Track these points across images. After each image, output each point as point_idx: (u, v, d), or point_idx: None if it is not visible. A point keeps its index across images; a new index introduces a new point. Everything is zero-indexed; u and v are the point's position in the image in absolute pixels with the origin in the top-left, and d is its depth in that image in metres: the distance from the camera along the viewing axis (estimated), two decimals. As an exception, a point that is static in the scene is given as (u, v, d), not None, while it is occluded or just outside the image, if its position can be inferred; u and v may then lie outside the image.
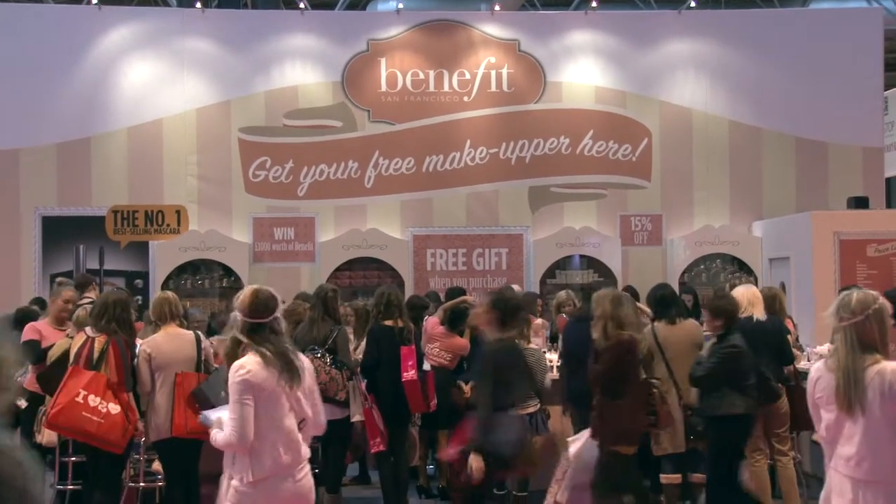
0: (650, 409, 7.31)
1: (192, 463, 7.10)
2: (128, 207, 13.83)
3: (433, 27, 14.84)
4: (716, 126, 14.90)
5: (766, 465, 7.82)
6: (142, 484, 7.78)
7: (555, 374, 8.61)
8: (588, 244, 14.40)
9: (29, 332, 8.02)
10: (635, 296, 9.96)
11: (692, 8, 15.16)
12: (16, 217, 13.92)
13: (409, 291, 13.01)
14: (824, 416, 4.29)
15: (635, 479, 7.21)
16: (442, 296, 10.93)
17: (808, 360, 9.05)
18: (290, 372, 4.52)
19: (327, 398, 7.01)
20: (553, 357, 9.05)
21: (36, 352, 7.75)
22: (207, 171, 14.33)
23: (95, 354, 6.78)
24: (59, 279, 9.36)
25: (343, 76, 14.56)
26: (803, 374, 8.32)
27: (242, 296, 4.70)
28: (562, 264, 14.49)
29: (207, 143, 14.34)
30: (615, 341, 6.92)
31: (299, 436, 4.56)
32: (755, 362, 7.38)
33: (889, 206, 16.12)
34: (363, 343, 8.50)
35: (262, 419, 4.49)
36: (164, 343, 7.01)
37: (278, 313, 4.69)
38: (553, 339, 10.14)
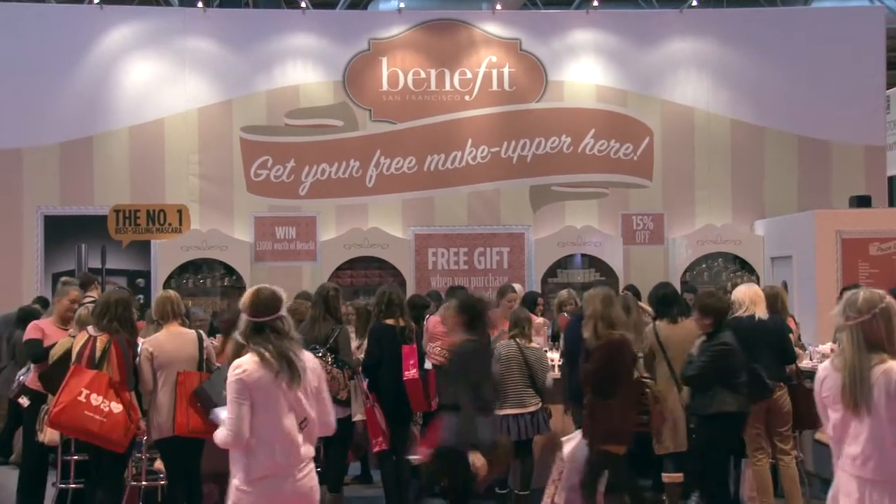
0: (642, 408, 7.31)
1: (194, 462, 7.11)
2: (130, 207, 13.85)
3: (434, 26, 14.83)
4: (717, 125, 14.89)
5: (769, 465, 7.81)
6: (144, 483, 7.79)
7: (556, 373, 8.60)
8: (589, 243, 14.40)
9: (32, 330, 8.03)
10: (637, 295, 9.97)
11: (694, 7, 15.14)
12: (18, 216, 13.93)
13: (410, 290, 13.02)
14: (831, 415, 4.28)
15: (629, 478, 7.21)
16: (443, 295, 10.93)
17: (811, 359, 9.05)
18: (290, 372, 4.50)
19: (328, 398, 7.00)
20: (554, 356, 9.04)
21: (38, 350, 7.75)
22: (209, 170, 14.33)
23: (97, 353, 6.79)
24: (64, 278, 9.36)
25: (344, 75, 14.57)
26: (805, 373, 8.35)
27: (245, 295, 4.71)
28: (563, 263, 14.48)
29: (209, 142, 14.34)
30: (606, 340, 6.92)
31: (299, 436, 4.52)
32: (746, 360, 7.39)
33: (891, 204, 16.11)
34: (365, 342, 8.50)
35: (259, 418, 4.49)
36: (167, 342, 7.02)
37: (283, 312, 4.65)
38: (555, 338, 10.14)
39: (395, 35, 14.74)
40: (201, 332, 7.39)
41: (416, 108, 14.67)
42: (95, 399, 6.62)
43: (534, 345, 8.33)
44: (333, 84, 14.59)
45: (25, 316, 9.63)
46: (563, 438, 7.45)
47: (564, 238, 14.40)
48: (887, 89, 15.94)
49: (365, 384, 8.18)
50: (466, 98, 14.73)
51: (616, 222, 14.70)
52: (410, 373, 8.00)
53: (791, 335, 8.33)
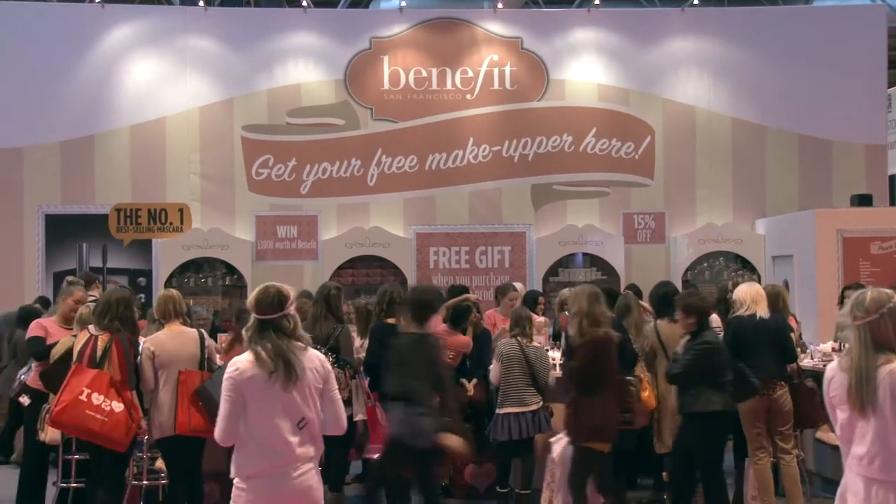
0: (625, 406, 7.30)
1: (195, 461, 7.11)
2: (131, 205, 13.87)
3: (436, 25, 14.83)
4: (719, 124, 14.89)
5: (770, 464, 7.81)
6: (145, 482, 7.78)
7: (558, 372, 8.60)
8: (591, 242, 14.40)
9: (35, 328, 8.04)
10: (638, 294, 9.97)
11: (695, 5, 15.13)
12: (19, 215, 13.93)
13: (411, 289, 13.00)
14: (839, 415, 4.28)
15: (612, 478, 7.19)
16: (444, 294, 10.92)
17: (812, 358, 9.05)
18: (286, 372, 4.47)
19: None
20: (556, 355, 9.04)
21: (41, 348, 7.75)
22: (210, 169, 14.34)
23: (99, 352, 6.79)
24: (69, 278, 9.36)
25: (346, 74, 14.57)
26: (807, 373, 8.35)
27: (253, 293, 4.72)
28: (565, 262, 14.48)
29: (210, 141, 14.35)
30: (590, 338, 6.92)
31: (294, 436, 4.49)
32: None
33: (892, 203, 16.10)
34: (366, 341, 8.50)
35: (252, 417, 4.49)
36: (168, 341, 7.02)
37: (289, 310, 4.61)
38: (556, 337, 10.14)
39: (396, 34, 14.74)
40: (202, 331, 7.39)
41: (418, 106, 14.67)
42: (97, 398, 6.62)
43: (535, 344, 8.34)
44: (335, 83, 14.59)
45: (26, 315, 9.63)
46: (551, 440, 7.44)
47: (566, 237, 14.40)
48: (888, 88, 15.94)
49: (366, 383, 8.17)
50: (468, 97, 14.73)
51: (617, 221, 14.70)
52: (411, 372, 7.98)
53: (792, 334, 8.33)
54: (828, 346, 9.40)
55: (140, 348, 7.03)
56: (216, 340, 9.27)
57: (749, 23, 15.10)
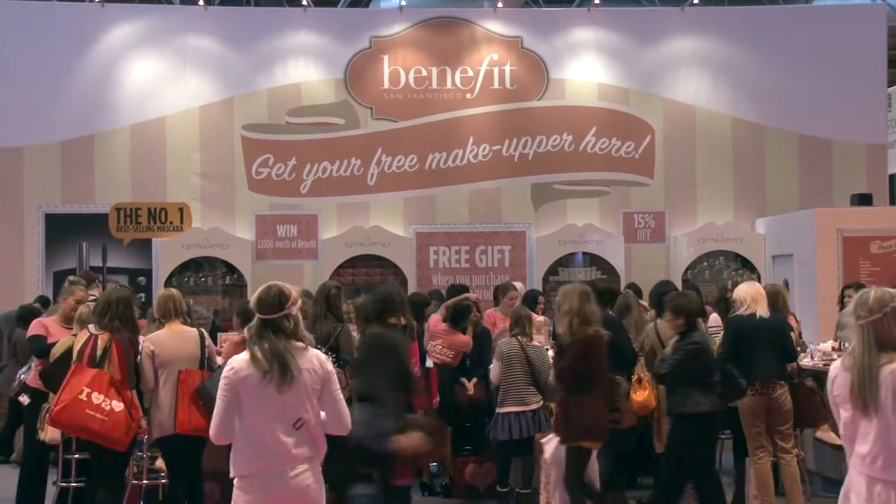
0: (612, 405, 7.29)
1: (195, 460, 7.11)
2: (131, 205, 13.87)
3: (436, 24, 14.83)
4: (719, 123, 14.89)
5: (770, 463, 7.81)
6: (145, 481, 7.78)
7: (558, 371, 8.59)
8: (591, 241, 14.40)
9: (36, 327, 8.04)
10: (638, 293, 9.96)
11: (695, 5, 15.13)
12: (19, 214, 13.94)
13: (411, 289, 13.04)
14: (842, 414, 4.30)
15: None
16: (444, 293, 10.92)
17: (812, 358, 9.05)
18: (281, 373, 4.45)
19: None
20: (556, 354, 9.03)
21: (42, 346, 7.75)
22: (210, 168, 14.34)
23: (99, 352, 6.78)
24: (71, 277, 9.36)
25: (346, 73, 14.57)
26: (806, 372, 8.35)
27: (256, 292, 4.72)
28: (565, 261, 14.49)
29: (210, 140, 14.35)
30: (581, 336, 6.92)
31: (289, 436, 4.48)
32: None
33: (892, 202, 16.11)
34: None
35: (247, 417, 4.50)
36: (168, 340, 7.02)
37: (290, 310, 4.59)
38: (556, 336, 10.13)
39: (396, 33, 14.74)
40: (202, 330, 7.39)
41: (418, 106, 14.67)
42: (96, 398, 6.61)
43: (535, 343, 8.33)
44: (335, 82, 14.59)
45: (26, 315, 9.64)
46: (542, 441, 7.44)
47: (566, 236, 14.40)
48: (888, 87, 15.93)
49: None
50: (468, 96, 14.73)
51: (617, 220, 14.70)
52: (412, 371, 7.99)
53: (792, 333, 8.33)
54: (828, 345, 9.39)
55: (140, 347, 7.03)
56: (216, 340, 9.28)
57: (749, 22, 15.11)
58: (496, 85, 14.77)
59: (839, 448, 8.05)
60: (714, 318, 9.55)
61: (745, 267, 14.45)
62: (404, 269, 14.09)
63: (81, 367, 6.74)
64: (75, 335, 7.18)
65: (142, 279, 13.85)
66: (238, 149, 14.38)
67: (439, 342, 9.01)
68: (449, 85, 14.71)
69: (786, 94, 14.82)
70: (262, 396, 4.48)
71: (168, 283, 13.31)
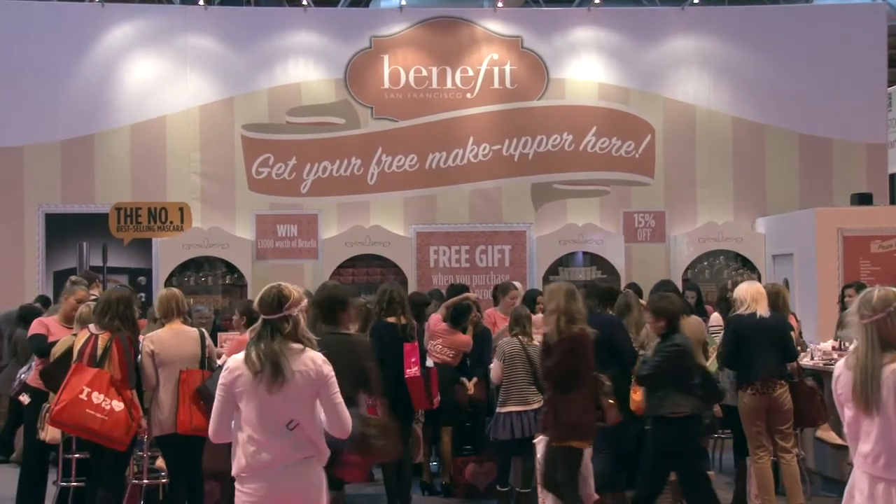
0: (597, 403, 7.28)
1: (195, 459, 7.11)
2: (131, 204, 13.88)
3: (436, 24, 14.83)
4: (719, 122, 14.89)
5: (770, 462, 7.81)
6: (145, 481, 7.78)
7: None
8: (591, 241, 14.40)
9: (37, 326, 8.05)
10: (638, 293, 9.96)
11: (695, 4, 15.12)
12: (19, 214, 13.93)
13: (412, 288, 13.02)
14: (846, 413, 4.31)
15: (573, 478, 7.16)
16: (444, 293, 10.93)
17: (812, 357, 9.05)
18: (272, 374, 4.44)
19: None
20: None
21: (43, 345, 7.76)
22: (210, 168, 14.34)
23: (99, 351, 6.78)
24: (73, 277, 9.39)
25: (346, 73, 14.56)
26: (807, 371, 8.35)
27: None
28: (565, 261, 14.49)
29: (210, 140, 14.34)
30: (567, 335, 6.91)
31: (282, 437, 4.47)
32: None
33: (893, 202, 16.10)
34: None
35: (242, 416, 4.52)
36: (169, 339, 7.02)
37: (291, 311, 4.57)
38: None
39: (396, 32, 14.73)
40: (203, 329, 7.39)
41: (418, 105, 14.67)
42: (97, 397, 6.62)
43: (535, 342, 8.33)
44: (335, 82, 14.59)
45: (27, 314, 9.65)
46: (535, 441, 7.44)
47: (566, 236, 14.40)
48: (889, 87, 15.93)
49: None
50: (468, 96, 14.73)
51: (618, 220, 14.70)
52: (412, 371, 7.99)
53: (792, 333, 8.33)
54: (828, 344, 9.40)
55: (140, 347, 7.03)
56: (217, 339, 9.29)
57: (749, 21, 15.10)
58: (496, 84, 14.76)
59: (839, 447, 8.12)
60: (715, 318, 9.57)
61: (746, 266, 14.45)
62: (404, 269, 14.09)
63: (82, 367, 6.75)
64: (76, 335, 7.18)
65: (142, 279, 13.84)
66: (238, 148, 14.38)
67: (439, 342, 9.01)
68: (449, 84, 14.71)
69: (786, 94, 14.82)
70: (254, 396, 4.49)
71: (168, 283, 13.30)
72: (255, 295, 4.83)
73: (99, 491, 6.92)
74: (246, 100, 14.45)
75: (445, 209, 14.62)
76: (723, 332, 8.26)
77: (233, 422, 4.58)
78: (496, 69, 14.76)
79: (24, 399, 7.97)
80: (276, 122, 14.45)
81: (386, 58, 14.65)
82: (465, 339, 9.06)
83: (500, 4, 14.85)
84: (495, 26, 14.85)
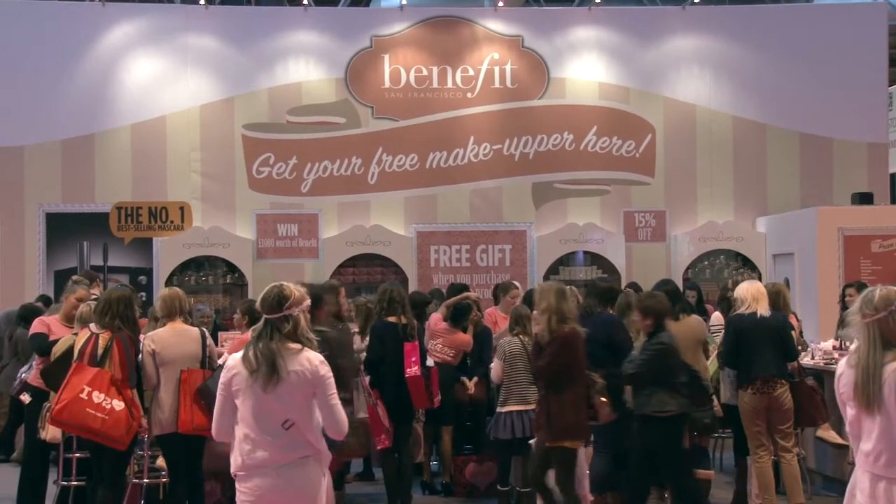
0: (588, 402, 7.28)
1: (195, 458, 7.11)
2: (131, 204, 13.89)
3: (436, 23, 14.83)
4: (720, 122, 14.89)
5: (771, 462, 7.81)
6: (146, 480, 7.78)
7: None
8: (591, 240, 14.40)
9: (38, 325, 8.06)
10: (639, 292, 9.95)
11: (696, 4, 15.12)
12: (20, 213, 13.93)
13: (412, 288, 13.03)
14: (848, 412, 4.33)
15: (569, 477, 7.15)
16: (444, 292, 10.92)
17: (812, 357, 9.05)
18: (267, 374, 4.45)
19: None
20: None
21: (44, 343, 7.76)
22: (211, 167, 14.34)
23: (99, 351, 6.78)
24: (75, 276, 9.41)
25: (346, 73, 14.56)
26: (807, 371, 8.35)
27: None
28: (565, 260, 14.49)
29: (211, 139, 14.34)
30: (558, 334, 6.91)
31: (277, 436, 4.48)
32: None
33: (893, 201, 16.09)
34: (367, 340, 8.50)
35: (239, 415, 4.55)
36: (170, 338, 7.01)
37: (291, 311, 4.57)
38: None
39: (397, 32, 14.73)
40: (204, 329, 7.39)
41: (419, 105, 14.66)
42: (97, 396, 6.62)
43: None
44: (335, 81, 14.58)
45: (27, 314, 9.65)
46: (531, 441, 7.44)
47: (566, 235, 14.40)
48: (889, 86, 15.93)
49: (367, 381, 8.17)
50: (468, 95, 14.73)
51: (618, 219, 14.70)
52: (412, 370, 8.00)
53: (793, 332, 8.33)
54: (828, 344, 9.39)
55: (141, 346, 7.03)
56: (218, 338, 9.29)
57: (750, 21, 15.11)
58: (497, 84, 14.76)
59: (840, 447, 8.13)
60: (716, 317, 9.58)
61: (746, 266, 14.45)
62: (405, 269, 14.09)
63: (82, 366, 6.75)
64: (76, 334, 7.18)
65: (142, 278, 13.85)
66: (239, 148, 14.38)
67: (440, 341, 9.01)
68: (450, 84, 14.71)
69: (787, 93, 14.82)
70: (251, 395, 4.51)
71: (169, 282, 13.30)
72: (255, 294, 4.85)
73: (99, 490, 6.92)
74: (246, 99, 14.45)
75: (446, 209, 14.62)
76: (723, 331, 8.25)
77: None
78: (497, 69, 14.76)
79: (25, 398, 7.97)
80: (276, 122, 14.45)
81: (386, 57, 14.65)
82: (466, 338, 9.06)
83: (500, 4, 14.85)
84: (496, 26, 14.85)
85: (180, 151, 14.24)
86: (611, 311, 8.12)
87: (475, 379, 9.04)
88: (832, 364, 8.27)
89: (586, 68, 14.87)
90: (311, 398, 4.55)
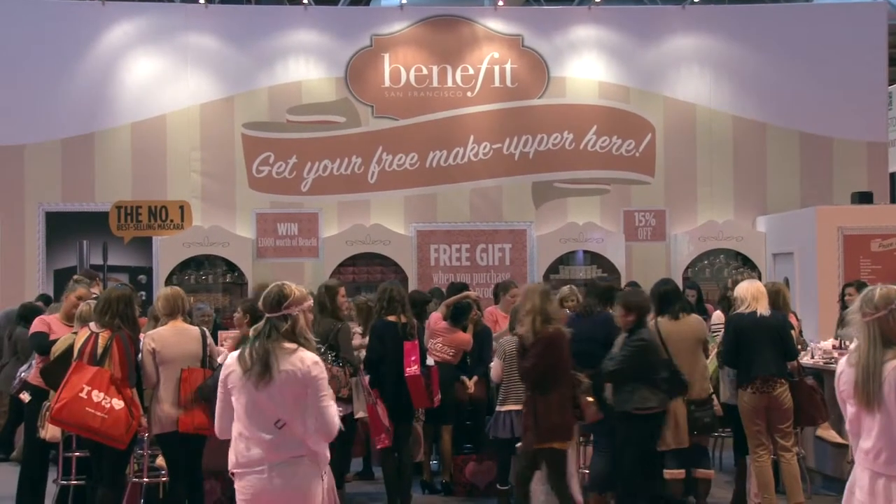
0: (575, 401, 7.29)
1: (195, 457, 7.11)
2: (131, 203, 13.89)
3: (436, 22, 14.83)
4: (719, 121, 14.88)
5: (770, 461, 7.82)
6: (145, 479, 7.79)
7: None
8: (591, 239, 14.40)
9: (38, 324, 8.07)
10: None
11: (696, 3, 15.13)
12: (20, 212, 13.92)
13: (412, 287, 13.02)
14: (848, 410, 4.35)
15: (562, 477, 7.15)
16: (444, 291, 10.92)
17: (812, 356, 9.05)
18: (260, 372, 4.47)
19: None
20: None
21: (44, 342, 7.76)
22: (211, 166, 14.34)
23: (99, 350, 6.79)
24: (76, 276, 9.41)
25: (346, 72, 14.56)
26: (807, 370, 8.36)
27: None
28: (565, 260, 14.49)
29: (211, 138, 14.34)
30: (543, 335, 6.91)
31: (270, 435, 4.48)
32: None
33: (893, 201, 16.10)
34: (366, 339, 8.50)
35: (235, 413, 4.58)
36: (170, 337, 7.01)
37: (291, 310, 4.58)
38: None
39: (397, 31, 14.73)
40: (204, 328, 7.39)
41: (419, 104, 14.66)
42: (97, 395, 6.62)
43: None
44: (335, 80, 14.58)
45: (27, 313, 9.65)
46: (518, 445, 7.44)
47: (566, 234, 14.39)
48: (889, 85, 15.93)
49: (367, 380, 8.18)
50: (468, 94, 14.73)
51: (618, 219, 14.70)
52: (412, 369, 8.00)
53: (792, 331, 8.33)
54: (828, 343, 9.40)
55: (141, 345, 7.03)
56: (218, 337, 9.30)
57: (750, 20, 15.11)
58: (497, 83, 14.76)
59: (839, 446, 8.13)
60: (717, 316, 9.57)
61: (746, 265, 14.44)
62: (405, 268, 14.09)
63: (82, 365, 6.75)
64: (76, 333, 7.18)
65: (142, 277, 13.85)
66: (239, 147, 14.38)
67: (440, 340, 9.02)
68: (450, 83, 14.71)
69: (786, 93, 14.81)
70: (245, 393, 4.53)
71: (168, 281, 13.30)
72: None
73: (99, 489, 6.92)
74: (246, 98, 14.45)
75: (446, 208, 14.62)
76: (723, 330, 8.25)
77: None
78: (497, 68, 14.76)
79: (25, 397, 7.98)
80: (276, 121, 14.45)
81: (386, 56, 14.65)
82: (466, 337, 9.06)
83: (500, 3, 14.85)
84: (496, 25, 14.84)
85: (180, 150, 14.24)
86: (610, 311, 8.12)
87: (475, 378, 9.04)
88: (832, 363, 8.27)
89: (586, 67, 14.87)
90: (302, 398, 4.53)
